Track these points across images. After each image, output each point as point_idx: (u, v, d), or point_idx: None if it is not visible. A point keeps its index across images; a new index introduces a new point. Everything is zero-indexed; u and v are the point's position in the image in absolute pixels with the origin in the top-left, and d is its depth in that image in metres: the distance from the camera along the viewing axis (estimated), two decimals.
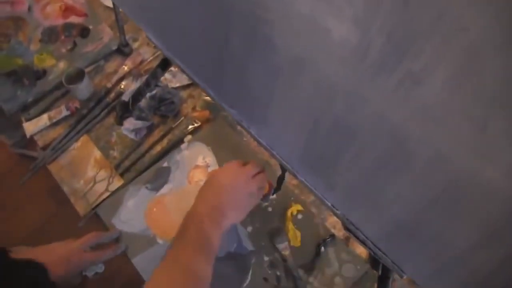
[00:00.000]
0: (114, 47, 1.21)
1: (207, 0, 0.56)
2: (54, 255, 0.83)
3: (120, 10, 1.11)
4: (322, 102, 0.50)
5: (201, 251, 0.70)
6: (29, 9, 1.30)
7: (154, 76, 0.93)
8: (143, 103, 1.07)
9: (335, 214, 0.61)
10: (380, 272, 0.67)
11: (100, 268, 0.90)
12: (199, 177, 0.99)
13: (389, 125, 0.44)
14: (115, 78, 1.15)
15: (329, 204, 0.60)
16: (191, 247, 0.70)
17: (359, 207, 0.55)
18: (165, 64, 0.89)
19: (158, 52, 1.20)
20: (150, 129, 1.08)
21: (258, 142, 0.65)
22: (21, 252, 0.87)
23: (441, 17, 0.34)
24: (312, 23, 0.45)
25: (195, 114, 1.09)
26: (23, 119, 1.11)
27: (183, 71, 0.74)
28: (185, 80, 1.13)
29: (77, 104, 1.11)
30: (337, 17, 0.42)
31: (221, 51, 0.60)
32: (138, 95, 1.01)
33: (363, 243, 0.60)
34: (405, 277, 0.58)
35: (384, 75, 0.41)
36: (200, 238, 0.71)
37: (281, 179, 0.84)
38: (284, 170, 0.75)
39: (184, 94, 1.13)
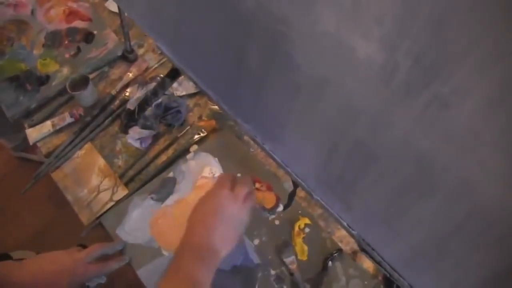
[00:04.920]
0: (119, 53, 1.19)
1: (226, 12, 0.55)
2: (59, 264, 0.82)
3: (126, 15, 1.10)
4: (343, 123, 0.49)
5: None
6: (32, 12, 1.28)
7: (162, 86, 0.92)
8: (148, 111, 1.05)
9: (351, 234, 0.59)
10: None
11: (103, 279, 0.89)
12: (205, 188, 0.98)
13: (414, 150, 0.43)
14: (119, 85, 1.14)
15: (345, 224, 0.59)
16: None
17: (377, 230, 0.54)
18: (174, 74, 0.88)
19: (164, 59, 1.18)
20: (156, 138, 1.06)
21: (272, 159, 0.64)
22: (25, 259, 0.85)
23: (476, 42, 0.33)
24: (336, 42, 0.44)
25: (201, 123, 1.07)
26: (26, 125, 1.09)
27: (195, 83, 0.72)
28: (191, 89, 1.12)
29: (81, 111, 1.09)
30: (364, 37, 0.41)
31: (238, 65, 0.59)
32: (144, 104, 0.99)
33: (378, 264, 0.59)
34: None
35: (411, 97, 0.41)
36: (193, 284, 0.67)
37: (292, 195, 0.83)
38: (296, 186, 0.74)
39: (190, 102, 1.11)
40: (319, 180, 0.58)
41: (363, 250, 0.59)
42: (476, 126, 0.37)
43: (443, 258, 0.48)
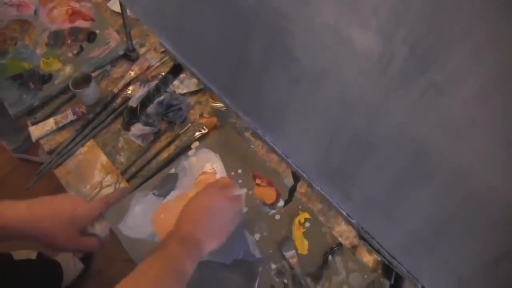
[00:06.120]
0: (121, 52, 1.21)
1: (227, 7, 0.56)
2: (62, 196, 0.75)
3: (128, 14, 1.11)
4: (342, 113, 0.50)
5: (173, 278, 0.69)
6: (35, 12, 1.30)
7: (164, 82, 0.93)
8: (150, 109, 1.07)
9: (350, 223, 0.61)
10: (392, 281, 0.67)
11: (106, 232, 0.80)
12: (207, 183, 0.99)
13: (411, 138, 0.44)
14: (121, 84, 1.15)
15: (344, 213, 0.60)
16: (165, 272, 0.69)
17: (376, 218, 0.55)
18: (176, 71, 0.89)
19: (165, 58, 1.20)
20: (157, 135, 1.08)
21: (273, 150, 0.65)
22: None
23: (470, 30, 0.34)
24: (334, 34, 0.45)
25: (203, 120, 1.09)
26: (29, 123, 1.10)
27: (197, 78, 0.74)
28: (192, 86, 1.13)
29: (83, 109, 1.10)
30: (361, 28, 0.42)
31: (240, 59, 0.60)
32: (146, 101, 1.01)
33: (377, 251, 0.60)
34: (420, 286, 0.58)
35: (407, 85, 0.42)
36: (174, 266, 0.70)
37: (292, 190, 0.84)
38: (296, 180, 0.75)
39: (191, 100, 1.13)
40: (319, 171, 0.59)
41: (362, 238, 0.61)
42: (471, 113, 0.38)
43: (441, 244, 0.49)
